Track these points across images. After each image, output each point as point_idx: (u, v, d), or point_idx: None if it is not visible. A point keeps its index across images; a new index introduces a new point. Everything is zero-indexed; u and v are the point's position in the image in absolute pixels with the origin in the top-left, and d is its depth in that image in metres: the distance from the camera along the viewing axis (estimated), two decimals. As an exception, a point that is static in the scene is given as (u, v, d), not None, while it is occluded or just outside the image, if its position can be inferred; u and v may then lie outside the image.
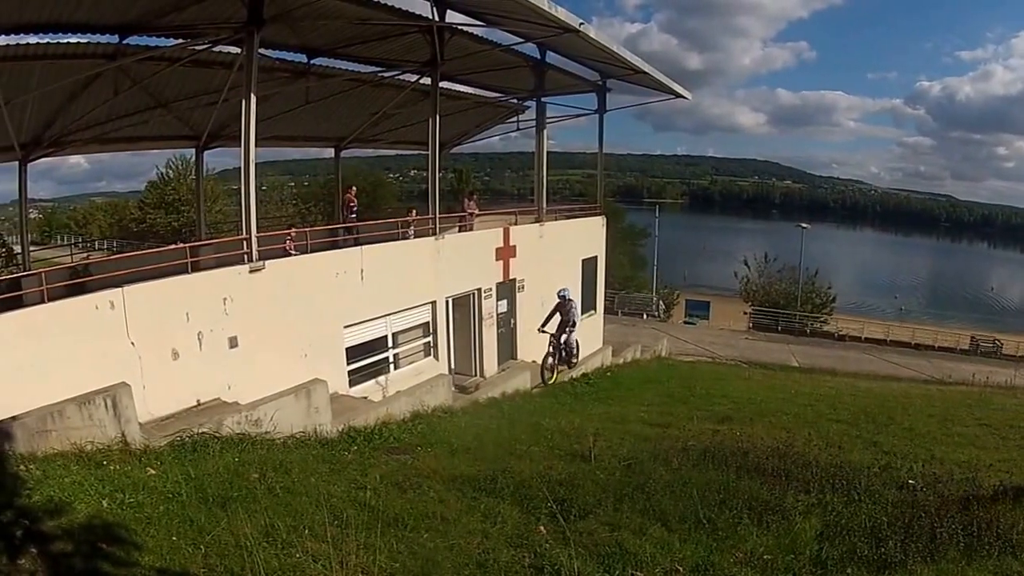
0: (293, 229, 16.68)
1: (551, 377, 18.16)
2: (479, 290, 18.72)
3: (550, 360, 18.07)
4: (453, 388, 15.93)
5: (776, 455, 8.70)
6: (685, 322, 49.49)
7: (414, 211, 19.68)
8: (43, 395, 8.56)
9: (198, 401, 11.43)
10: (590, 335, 24.47)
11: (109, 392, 8.87)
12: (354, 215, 20.83)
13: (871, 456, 9.88)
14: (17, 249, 23.36)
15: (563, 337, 18.12)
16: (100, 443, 8.36)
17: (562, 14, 15.00)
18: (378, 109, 22.94)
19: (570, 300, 18.03)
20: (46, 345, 9.73)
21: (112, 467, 7.63)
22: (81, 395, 8.70)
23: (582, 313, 23.72)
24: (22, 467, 7.31)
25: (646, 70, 20.78)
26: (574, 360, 18.89)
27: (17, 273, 18.17)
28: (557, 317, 18.07)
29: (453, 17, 16.60)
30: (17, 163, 18.89)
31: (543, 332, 17.98)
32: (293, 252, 15.29)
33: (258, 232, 12.94)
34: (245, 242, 12.80)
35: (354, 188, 22.01)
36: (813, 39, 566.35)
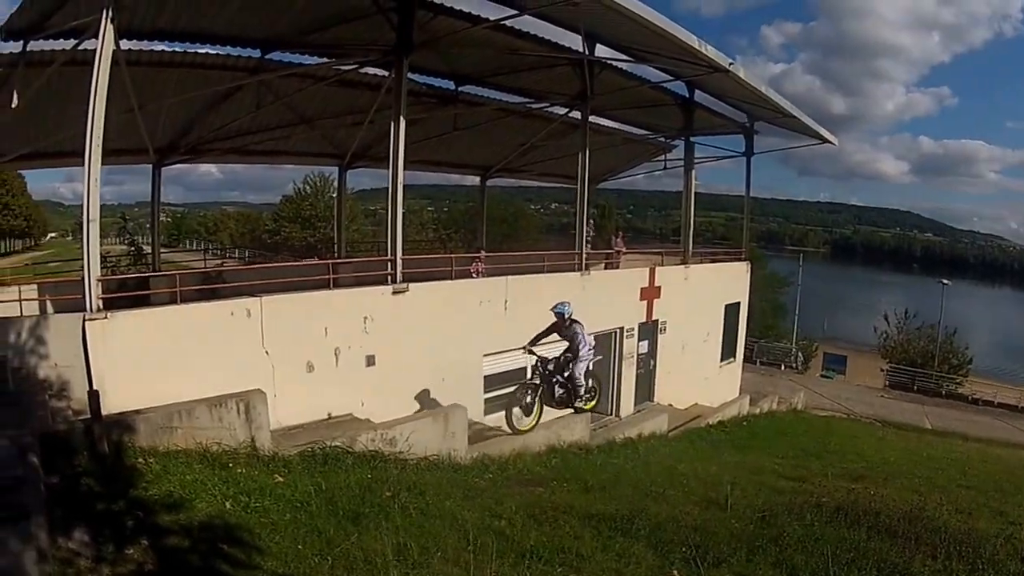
0: (483, 252, 16.87)
1: (529, 424, 13.05)
2: (621, 329, 18.25)
3: (527, 398, 12.98)
4: (590, 425, 15.45)
5: (906, 518, 8.30)
6: (822, 375, 47.65)
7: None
8: (170, 393, 8.75)
9: (329, 415, 11.52)
10: (728, 383, 23.87)
11: (243, 397, 9.04)
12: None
13: (997, 525, 9.28)
14: (146, 250, 24.30)
15: (566, 371, 13.24)
16: (227, 446, 8.49)
17: (712, 53, 14.73)
18: (526, 140, 23.02)
19: (576, 322, 13.27)
20: (177, 345, 9.95)
21: (238, 470, 7.74)
22: (213, 397, 8.88)
23: (722, 360, 22.99)
24: (141, 460, 7.43)
25: (794, 113, 20.13)
26: (580, 402, 13.62)
27: (146, 273, 18.85)
28: (554, 338, 13.53)
29: (602, 52, 16.52)
30: (151, 167, 19.75)
31: (529, 353, 13.30)
32: (476, 275, 15.88)
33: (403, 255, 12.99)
34: (390, 263, 12.89)
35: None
36: (955, 84, 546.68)
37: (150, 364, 9.54)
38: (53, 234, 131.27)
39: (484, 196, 28.77)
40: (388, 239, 13.11)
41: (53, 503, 5.63)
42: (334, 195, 49.41)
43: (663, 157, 27.27)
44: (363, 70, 16.33)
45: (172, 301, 10.69)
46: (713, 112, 22.03)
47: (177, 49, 14.84)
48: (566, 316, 13.18)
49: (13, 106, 12.87)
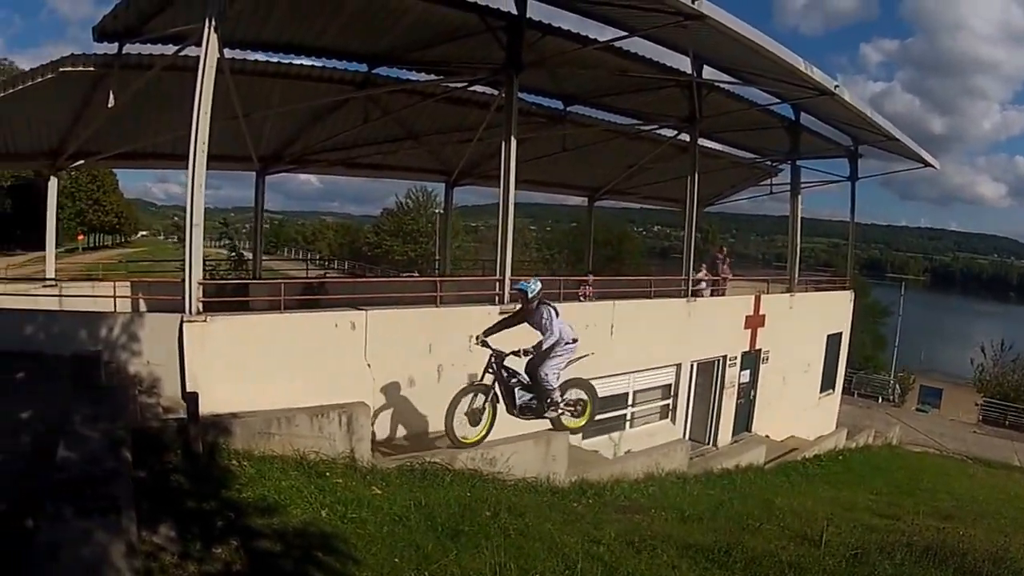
0: (591, 276, 16.80)
1: (476, 434, 10.62)
2: (724, 357, 17.89)
3: (474, 402, 10.60)
4: (689, 454, 15.19)
5: (991, 559, 8.16)
6: (917, 409, 46.12)
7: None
8: (264, 399, 8.96)
9: (428, 430, 11.48)
10: (826, 415, 23.33)
11: (346, 409, 9.23)
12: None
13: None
14: (247, 256, 24.88)
15: (538, 367, 10.77)
16: (326, 455, 8.56)
17: (817, 75, 14.35)
18: (634, 162, 22.81)
19: (546, 304, 10.77)
20: (276, 353, 10.04)
21: (335, 480, 7.80)
22: (315, 406, 9.08)
23: (821, 391, 22.37)
24: (235, 463, 7.55)
25: (898, 137, 19.44)
26: (555, 412, 11.17)
27: (246, 279, 19.20)
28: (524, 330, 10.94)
29: (710, 74, 16.45)
30: (254, 175, 20.17)
31: (481, 345, 10.65)
32: (583, 299, 15.83)
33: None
34: (498, 283, 12.90)
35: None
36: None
37: (246, 369, 9.66)
38: (144, 233, 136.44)
39: (592, 218, 28.67)
40: (497, 259, 13.09)
41: (140, 497, 5.65)
42: (436, 210, 49.83)
43: (769, 181, 26.74)
44: (472, 88, 16.45)
45: (272, 308, 10.81)
46: (819, 135, 21.57)
47: (283, 60, 15.20)
48: (529, 295, 10.65)
49: (109, 106, 13.25)
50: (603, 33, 14.31)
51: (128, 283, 16.80)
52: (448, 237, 26.89)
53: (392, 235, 63.62)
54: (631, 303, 15.45)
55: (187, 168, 9.78)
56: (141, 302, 15.25)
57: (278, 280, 14.38)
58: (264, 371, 9.77)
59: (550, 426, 11.39)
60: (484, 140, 18.08)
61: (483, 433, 10.68)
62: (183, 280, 9.84)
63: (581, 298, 16.11)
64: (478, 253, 46.04)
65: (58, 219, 19.60)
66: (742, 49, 12.96)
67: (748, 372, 19.01)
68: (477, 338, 10.65)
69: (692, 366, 17.01)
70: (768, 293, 20.04)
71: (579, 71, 16.29)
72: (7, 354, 10.05)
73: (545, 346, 10.47)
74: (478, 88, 16.59)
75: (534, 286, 10.62)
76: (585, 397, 11.58)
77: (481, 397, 10.63)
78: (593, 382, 13.84)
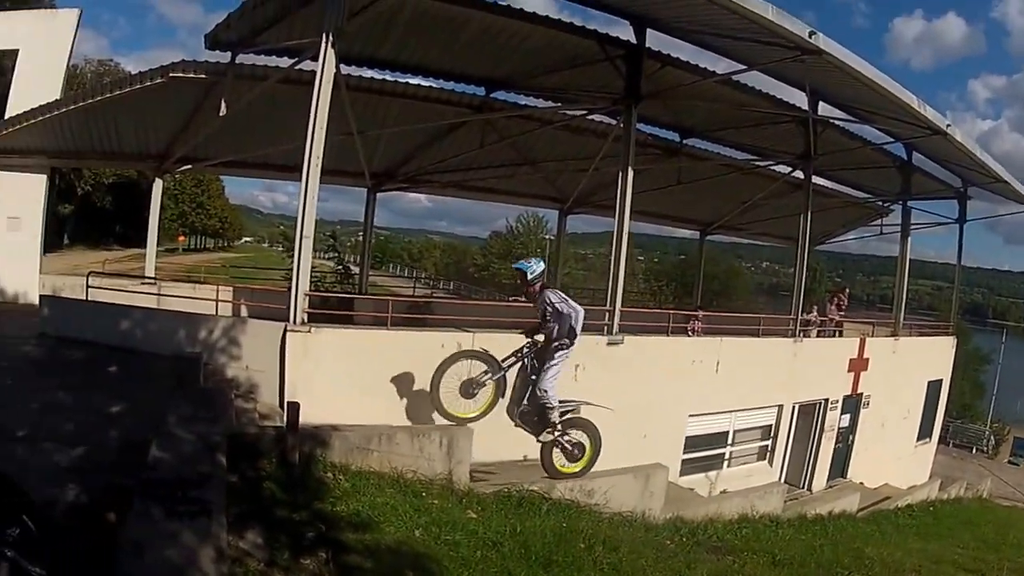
0: (700, 311, 16.75)
1: (467, 410, 9.54)
2: (826, 400, 17.48)
3: (482, 376, 9.43)
4: (784, 498, 14.93)
5: None
6: (1009, 461, 44.41)
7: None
8: (362, 413, 9.02)
9: (525, 456, 11.22)
10: (920, 464, 22.72)
11: (448, 432, 9.18)
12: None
13: None
14: (353, 270, 25.30)
15: (535, 381, 9.39)
16: (423, 475, 8.55)
17: (930, 114, 14.18)
18: (747, 197, 22.56)
19: (550, 289, 9.39)
20: (378, 368, 10.14)
21: (431, 500, 7.79)
22: (416, 426, 9.27)
23: (917, 439, 21.78)
24: (331, 475, 7.59)
25: (1007, 179, 18.90)
26: (548, 427, 9.60)
27: (352, 293, 19.51)
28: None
29: (824, 110, 16.26)
30: (365, 191, 20.57)
31: (527, 336, 9.47)
32: (692, 334, 15.73)
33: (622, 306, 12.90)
34: (607, 314, 12.82)
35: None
36: None
37: (346, 382, 9.79)
38: (248, 239, 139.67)
39: (703, 253, 28.67)
40: (608, 289, 13.07)
41: (230, 501, 5.75)
42: (547, 236, 49.81)
43: (879, 221, 26.15)
44: (589, 116, 16.48)
45: (377, 324, 10.91)
46: (929, 175, 21.05)
47: (399, 79, 15.39)
48: (529, 276, 9.24)
49: (221, 114, 13.66)
50: (718, 64, 14.37)
51: (231, 288, 17.21)
52: (559, 264, 27.03)
53: (500, 258, 63.22)
54: (738, 340, 15.34)
55: (298, 180, 10.03)
56: (243, 307, 15.64)
57: (385, 296, 14.56)
58: (365, 385, 9.91)
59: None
60: (600, 169, 18.04)
61: (476, 412, 9.55)
62: (289, 289, 10.11)
63: (690, 333, 16.05)
64: (586, 281, 45.93)
65: (160, 220, 20.24)
66: (857, 85, 12.89)
67: (848, 416, 18.57)
68: (527, 333, 9.42)
69: (794, 408, 16.73)
70: (873, 336, 19.57)
71: (696, 103, 16.23)
72: (102, 347, 10.54)
73: (555, 337, 9.09)
74: (595, 116, 16.60)
75: (535, 266, 9.29)
76: (585, 441, 10.03)
77: (485, 370, 9.40)
78: (694, 418, 13.74)
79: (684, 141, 18.96)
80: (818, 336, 18.54)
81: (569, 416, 9.79)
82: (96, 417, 7.64)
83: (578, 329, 9.13)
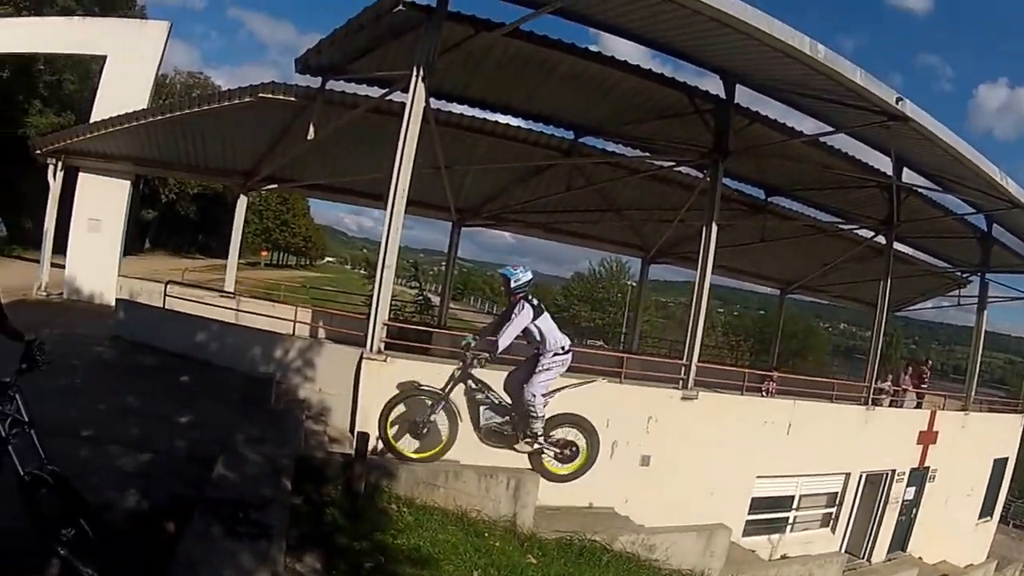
0: (776, 372, 16.75)
1: (421, 450, 9.17)
2: (893, 472, 17.12)
3: (425, 411, 9.06)
4: (843, 568, 14.71)
5: None
6: (1058, 540, 43.07)
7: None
8: None
9: (590, 504, 11.35)
10: (980, 543, 22.06)
11: (515, 474, 9.20)
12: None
13: None
14: (434, 300, 25.51)
15: (522, 383, 8.92)
16: (487, 516, 8.62)
17: (1012, 187, 14.04)
18: (829, 259, 22.31)
19: (531, 304, 8.76)
20: (456, 402, 9.72)
21: (493, 542, 7.81)
22: (485, 467, 9.13)
23: (979, 517, 21.21)
24: (394, 507, 7.67)
25: None
26: (528, 438, 9.07)
27: (431, 324, 19.64)
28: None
29: (908, 177, 16.08)
30: (450, 224, 20.79)
31: (465, 349, 9.10)
32: (766, 394, 15.77)
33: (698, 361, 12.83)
34: (683, 368, 12.74)
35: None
36: None
37: None
38: (331, 259, 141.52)
39: (782, 311, 28.61)
40: (686, 343, 13.02)
41: (292, 523, 5.85)
42: (629, 281, 49.78)
43: (957, 292, 25.60)
44: (676, 168, 16.57)
45: (454, 358, 10.93)
46: (1009, 249, 20.59)
47: (488, 118, 15.64)
48: (512, 283, 8.81)
49: (309, 138, 13.94)
50: (804, 123, 14.34)
51: (310, 309, 17.44)
52: (639, 312, 27.16)
53: (581, 300, 62.86)
54: (812, 404, 15.19)
55: (382, 208, 10.23)
56: (320, 330, 15.84)
57: (463, 331, 14.67)
58: (436, 420, 10.00)
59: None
60: (684, 221, 18.15)
61: (434, 451, 9.12)
62: (368, 317, 10.22)
63: (764, 393, 15.95)
64: (665, 330, 45.74)
65: (243, 234, 20.64)
66: (941, 154, 12.85)
67: (913, 489, 18.17)
68: (467, 346, 9.08)
69: (861, 477, 16.43)
70: (944, 409, 19.29)
71: (783, 162, 16.25)
72: (175, 356, 10.76)
73: (501, 347, 8.55)
74: (682, 168, 16.70)
75: (522, 276, 8.81)
76: (579, 440, 9.52)
77: (432, 406, 8.99)
78: (762, 480, 13.58)
79: (769, 199, 18.98)
80: (890, 406, 18.24)
81: (556, 415, 9.32)
82: (164, 425, 7.78)
83: (548, 353, 8.79)
